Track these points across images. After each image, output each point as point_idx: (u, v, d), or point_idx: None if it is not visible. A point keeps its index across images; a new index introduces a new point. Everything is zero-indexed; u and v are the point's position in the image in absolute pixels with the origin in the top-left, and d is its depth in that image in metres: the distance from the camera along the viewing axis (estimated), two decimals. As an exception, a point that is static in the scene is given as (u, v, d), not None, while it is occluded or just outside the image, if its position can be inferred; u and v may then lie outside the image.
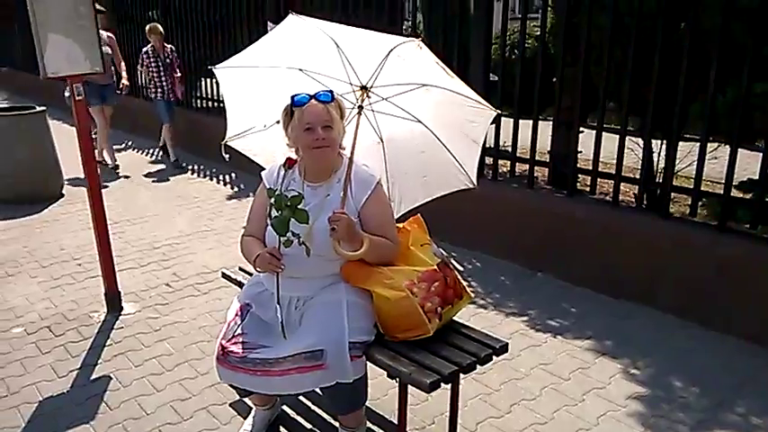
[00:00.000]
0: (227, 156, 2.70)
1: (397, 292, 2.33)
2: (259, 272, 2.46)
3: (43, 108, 6.44)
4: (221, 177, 7.15)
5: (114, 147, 8.75)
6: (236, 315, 2.47)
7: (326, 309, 2.36)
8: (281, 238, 2.29)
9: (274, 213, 2.28)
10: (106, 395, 3.05)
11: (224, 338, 2.39)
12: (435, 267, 2.45)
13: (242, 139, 2.78)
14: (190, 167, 7.61)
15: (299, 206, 2.27)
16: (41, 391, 3.07)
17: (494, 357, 2.40)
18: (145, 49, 7.43)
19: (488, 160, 4.91)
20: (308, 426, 2.83)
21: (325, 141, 2.34)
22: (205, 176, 7.27)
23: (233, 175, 7.18)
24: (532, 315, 3.84)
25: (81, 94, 3.57)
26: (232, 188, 6.81)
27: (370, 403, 2.76)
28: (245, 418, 2.80)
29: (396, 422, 2.57)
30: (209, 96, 8.11)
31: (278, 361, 2.26)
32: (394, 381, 2.39)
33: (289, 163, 2.46)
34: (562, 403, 2.97)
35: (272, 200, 2.29)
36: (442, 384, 2.23)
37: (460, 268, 4.54)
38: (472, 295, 2.66)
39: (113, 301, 3.89)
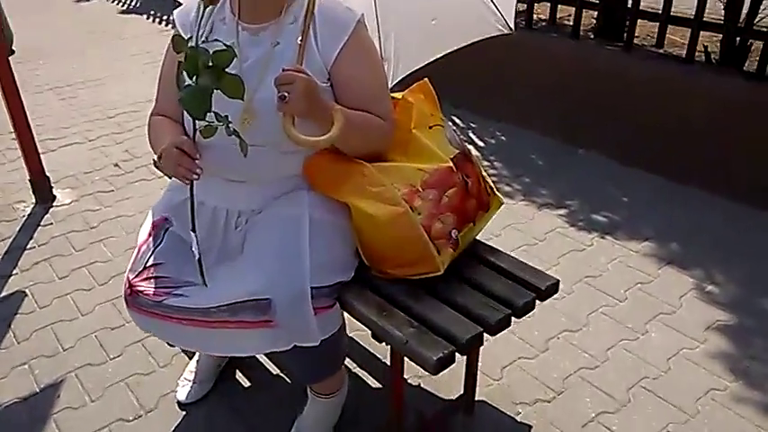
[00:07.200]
0: None
1: (390, 207, 1.48)
2: (167, 176, 1.61)
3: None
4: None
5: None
6: (149, 236, 1.65)
7: (278, 233, 1.52)
8: (198, 124, 1.41)
9: (186, 80, 1.39)
10: (15, 319, 2.34)
11: (131, 271, 1.60)
12: (450, 164, 1.58)
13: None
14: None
15: (227, 68, 1.37)
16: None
17: (537, 303, 1.60)
18: None
19: (521, 6, 3.86)
20: (275, 371, 2.11)
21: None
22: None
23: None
24: (573, 207, 3.01)
25: None
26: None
27: (357, 335, 2.02)
28: (191, 359, 2.09)
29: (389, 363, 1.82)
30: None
31: (209, 311, 1.48)
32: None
33: (213, -5, 1.52)
34: (618, 337, 2.21)
35: (184, 57, 1.38)
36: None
37: (481, 144, 3.65)
38: (504, 200, 1.82)
39: (41, 190, 3.10)
